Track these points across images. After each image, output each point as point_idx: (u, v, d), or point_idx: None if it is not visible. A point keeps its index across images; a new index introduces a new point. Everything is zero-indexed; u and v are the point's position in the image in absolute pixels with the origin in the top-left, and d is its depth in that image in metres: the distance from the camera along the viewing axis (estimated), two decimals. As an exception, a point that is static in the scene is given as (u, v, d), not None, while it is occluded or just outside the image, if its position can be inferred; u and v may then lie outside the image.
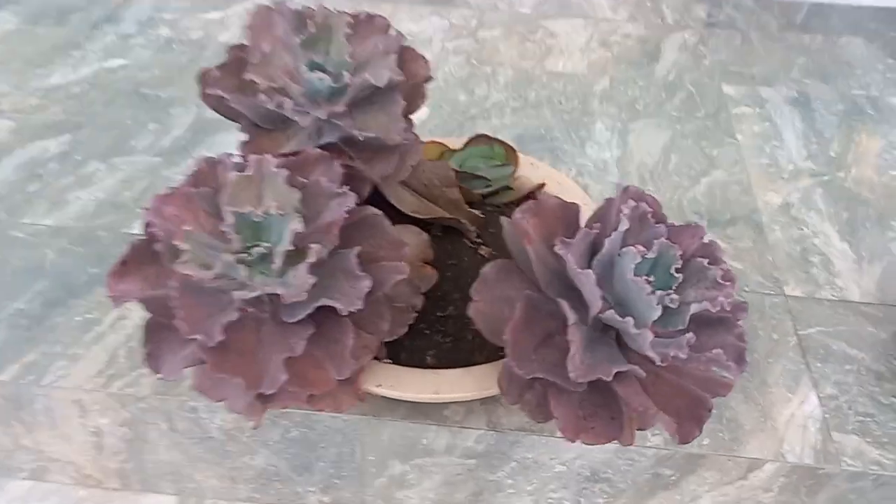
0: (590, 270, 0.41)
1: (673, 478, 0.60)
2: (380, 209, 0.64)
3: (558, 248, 0.43)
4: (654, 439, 0.60)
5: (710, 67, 1.05)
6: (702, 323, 0.45)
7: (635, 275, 0.43)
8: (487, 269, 0.49)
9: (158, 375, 0.46)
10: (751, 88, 1.00)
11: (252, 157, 0.45)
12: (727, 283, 0.44)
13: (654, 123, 0.93)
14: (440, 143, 0.70)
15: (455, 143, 0.71)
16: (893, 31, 1.16)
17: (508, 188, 0.67)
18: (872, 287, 0.73)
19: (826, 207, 0.82)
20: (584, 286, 0.42)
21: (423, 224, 0.62)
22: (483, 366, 0.53)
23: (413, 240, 0.57)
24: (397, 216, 0.63)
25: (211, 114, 0.55)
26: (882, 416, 0.61)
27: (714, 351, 0.42)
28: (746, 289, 0.72)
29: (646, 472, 0.60)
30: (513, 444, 0.61)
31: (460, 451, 0.62)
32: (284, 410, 0.62)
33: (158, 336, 0.45)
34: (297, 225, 0.43)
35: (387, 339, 0.51)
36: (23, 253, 0.76)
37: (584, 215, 0.61)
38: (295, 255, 0.44)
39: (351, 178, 0.54)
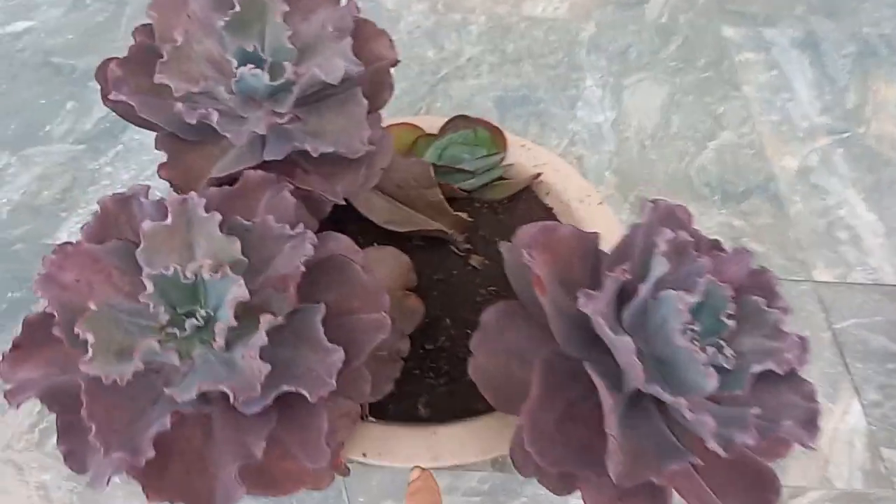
0: (628, 338, 0.32)
1: (701, 508, 0.53)
2: (345, 223, 0.54)
3: (582, 304, 0.33)
4: (681, 470, 0.52)
5: (706, 5, 0.93)
6: (760, 378, 0.36)
7: (681, 331, 0.33)
8: (487, 315, 0.39)
9: (86, 480, 0.36)
10: (753, 30, 0.89)
11: (172, 200, 0.34)
12: (791, 332, 0.35)
13: (650, 77, 0.82)
14: (413, 126, 0.58)
15: (429, 123, 0.59)
16: (901, -48, 1.05)
17: (501, 178, 0.57)
18: (906, 264, 0.65)
19: (848, 171, 0.73)
20: (620, 354, 0.33)
21: (401, 234, 0.51)
22: (488, 418, 0.44)
23: (391, 264, 0.47)
24: (368, 228, 0.52)
25: (120, 124, 0.43)
26: (931, 424, 0.55)
27: (784, 424, 0.33)
28: (769, 276, 0.64)
29: None
30: (523, 482, 0.53)
31: (463, 490, 0.54)
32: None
33: (76, 434, 0.35)
34: (238, 290, 0.32)
35: (370, 401, 0.42)
36: (-81, 279, 0.63)
37: (592, 220, 0.51)
38: (241, 329, 0.33)
39: (307, 197, 0.43)
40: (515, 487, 0.54)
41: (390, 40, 0.45)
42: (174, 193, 0.34)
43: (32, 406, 0.56)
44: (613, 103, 0.79)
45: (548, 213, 0.56)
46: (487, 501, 0.54)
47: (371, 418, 0.44)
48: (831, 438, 0.53)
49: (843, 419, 0.54)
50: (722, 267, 0.37)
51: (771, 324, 0.35)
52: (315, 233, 0.45)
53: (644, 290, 0.34)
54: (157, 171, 0.39)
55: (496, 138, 0.57)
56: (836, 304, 0.62)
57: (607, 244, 0.53)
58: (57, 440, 0.35)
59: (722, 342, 0.35)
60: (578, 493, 0.53)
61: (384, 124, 0.57)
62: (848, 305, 0.61)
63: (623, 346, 0.32)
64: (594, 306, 0.33)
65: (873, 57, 0.86)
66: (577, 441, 0.35)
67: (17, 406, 0.34)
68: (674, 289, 0.35)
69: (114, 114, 0.46)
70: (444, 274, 0.52)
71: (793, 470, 0.52)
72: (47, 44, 0.84)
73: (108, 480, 0.35)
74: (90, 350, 0.30)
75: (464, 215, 0.52)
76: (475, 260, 0.53)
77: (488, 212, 0.56)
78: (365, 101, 0.40)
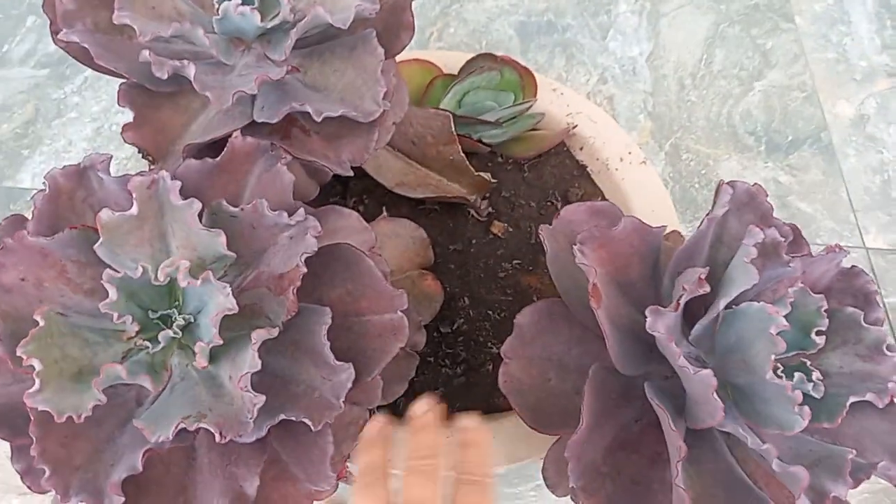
0: (709, 372, 0.26)
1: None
2: (346, 180, 0.47)
3: (651, 325, 0.27)
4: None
5: (757, -83, 0.82)
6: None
7: (770, 361, 0.27)
8: (524, 317, 0.33)
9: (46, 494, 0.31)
10: (809, -52, 0.79)
11: (137, 183, 0.27)
12: (892, 352, 0.29)
13: (692, 3, 0.73)
14: (427, 64, 0.50)
15: (447, 60, 0.51)
16: None
17: (534, 130, 0.49)
18: (967, 230, 0.59)
19: (909, 120, 0.65)
20: (695, 387, 0.27)
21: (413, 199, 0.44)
22: (511, 416, 0.39)
23: (405, 239, 0.40)
24: (374, 186, 0.45)
25: None
26: None
27: (879, 466, 0.28)
28: (819, 241, 0.57)
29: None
30: (539, 468, 0.49)
31: (470, 473, 0.50)
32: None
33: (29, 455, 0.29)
34: (224, 301, 0.26)
35: (381, 405, 0.36)
36: None
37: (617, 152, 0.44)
38: (229, 341, 0.27)
39: (307, 165, 0.35)
40: (532, 473, 0.50)
41: (409, -34, 0.36)
42: (138, 176, 0.27)
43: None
44: (650, 33, 0.70)
45: (581, 173, 0.49)
46: (500, 483, 0.50)
47: (379, 417, 0.39)
48: (882, 431, 0.48)
49: None
50: (809, 268, 0.31)
51: (869, 342, 0.30)
52: (315, 202, 0.39)
53: (724, 303, 0.28)
54: (122, 134, 0.32)
55: (526, 82, 0.49)
56: (889, 274, 0.56)
57: (651, 214, 0.46)
58: (10, 458, 0.29)
59: (807, 363, 0.29)
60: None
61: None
62: (903, 277, 0.56)
63: (701, 381, 0.26)
64: (665, 325, 0.27)
65: (940, -15, 0.77)
66: (629, 474, 0.30)
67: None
68: (756, 300, 0.29)
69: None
70: (462, 244, 0.46)
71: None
72: (3, -55, 0.73)
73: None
74: (37, 381, 0.24)
75: (487, 175, 0.45)
76: (497, 227, 0.46)
77: (513, 169, 0.49)
78: (380, 49, 0.32)
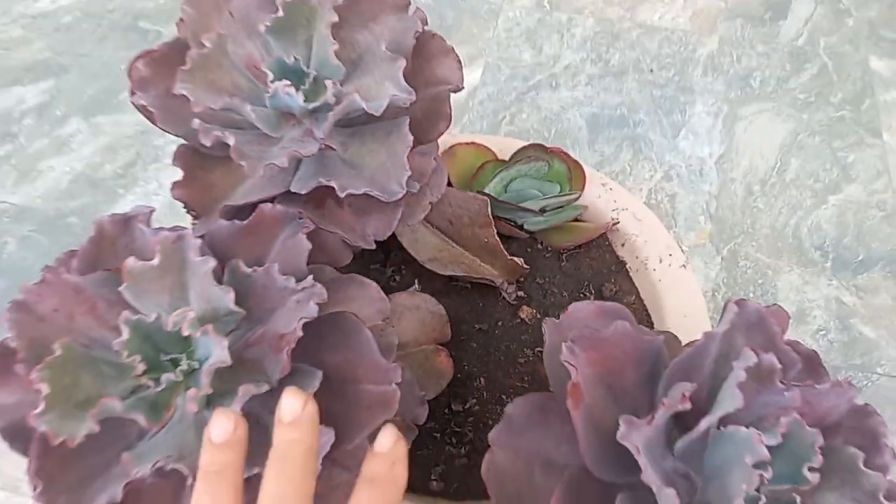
0: (672, 492, 0.25)
1: None
2: (390, 250, 0.49)
3: (622, 436, 0.26)
4: None
5: (855, 30, 0.80)
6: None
7: (746, 489, 0.26)
8: (515, 407, 0.33)
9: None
10: (908, 64, 0.76)
11: (163, 239, 0.30)
12: (890, 501, 0.27)
13: (773, 109, 0.72)
14: (482, 148, 0.52)
15: (502, 146, 0.53)
16: None
17: (575, 220, 0.50)
18: None
19: None
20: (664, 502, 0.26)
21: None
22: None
23: (423, 313, 0.41)
24: (413, 262, 0.47)
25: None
26: None
27: None
28: (879, 370, 0.54)
29: None
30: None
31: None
32: None
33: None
34: (219, 354, 0.28)
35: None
36: (-22, 239, 0.64)
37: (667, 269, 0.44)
38: (224, 389, 0.29)
39: (331, 238, 0.38)
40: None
41: (458, 61, 0.39)
42: (166, 231, 0.30)
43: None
44: (724, 136, 0.70)
45: (620, 269, 0.49)
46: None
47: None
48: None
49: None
50: (815, 399, 0.30)
51: (866, 487, 0.28)
52: (354, 267, 0.41)
53: (706, 423, 0.27)
54: (171, 190, 0.35)
55: (574, 174, 0.50)
56: (960, 418, 0.51)
57: (682, 319, 0.45)
58: (28, 470, 0.32)
59: (797, 499, 0.28)
60: None
61: (453, 140, 0.52)
62: (975, 423, 0.51)
63: (666, 499, 0.25)
64: (638, 439, 0.26)
65: None
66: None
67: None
68: (746, 425, 0.28)
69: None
70: (488, 324, 0.46)
71: None
72: (137, 6, 0.83)
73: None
74: (42, 403, 0.27)
75: (520, 261, 0.46)
76: (526, 312, 0.47)
77: (552, 257, 0.49)
78: (409, 137, 0.34)
